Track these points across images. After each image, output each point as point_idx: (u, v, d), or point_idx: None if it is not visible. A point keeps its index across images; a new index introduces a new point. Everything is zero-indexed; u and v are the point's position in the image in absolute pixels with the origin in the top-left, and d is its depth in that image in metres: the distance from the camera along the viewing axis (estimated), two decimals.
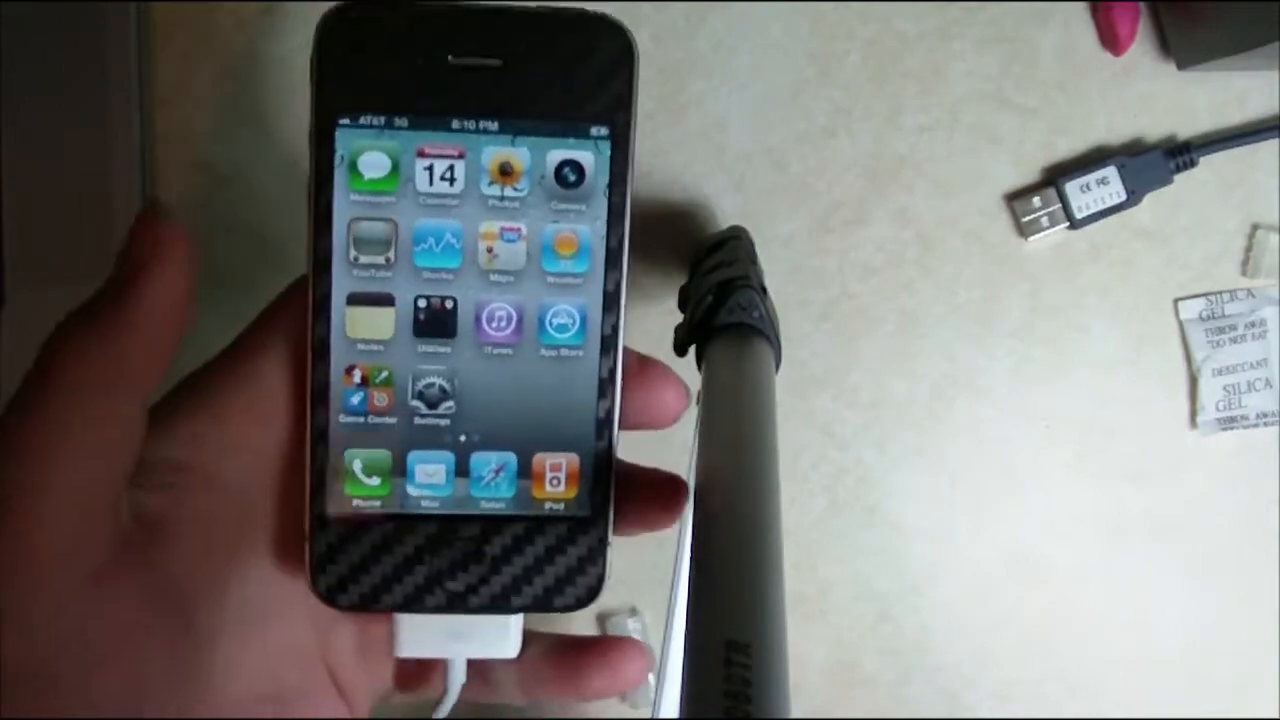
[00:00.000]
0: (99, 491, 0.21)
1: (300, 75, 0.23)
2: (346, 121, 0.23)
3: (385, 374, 0.24)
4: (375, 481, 0.24)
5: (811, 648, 0.45)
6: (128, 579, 0.21)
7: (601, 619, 0.46)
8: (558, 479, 0.25)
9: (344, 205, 0.23)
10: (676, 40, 0.43)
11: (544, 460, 0.25)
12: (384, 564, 0.24)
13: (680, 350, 0.33)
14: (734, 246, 0.38)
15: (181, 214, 0.23)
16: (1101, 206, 0.42)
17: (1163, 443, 0.44)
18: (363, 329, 0.24)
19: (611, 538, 0.25)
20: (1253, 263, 0.43)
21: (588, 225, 0.24)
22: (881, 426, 0.44)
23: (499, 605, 0.25)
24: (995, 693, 0.45)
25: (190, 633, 0.22)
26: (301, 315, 0.24)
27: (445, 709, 0.26)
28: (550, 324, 0.24)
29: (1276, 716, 0.44)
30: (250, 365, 0.24)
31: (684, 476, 0.28)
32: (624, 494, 0.26)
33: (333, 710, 0.26)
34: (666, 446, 0.45)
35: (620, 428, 0.25)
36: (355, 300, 0.23)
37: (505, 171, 0.23)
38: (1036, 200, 0.42)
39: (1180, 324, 0.43)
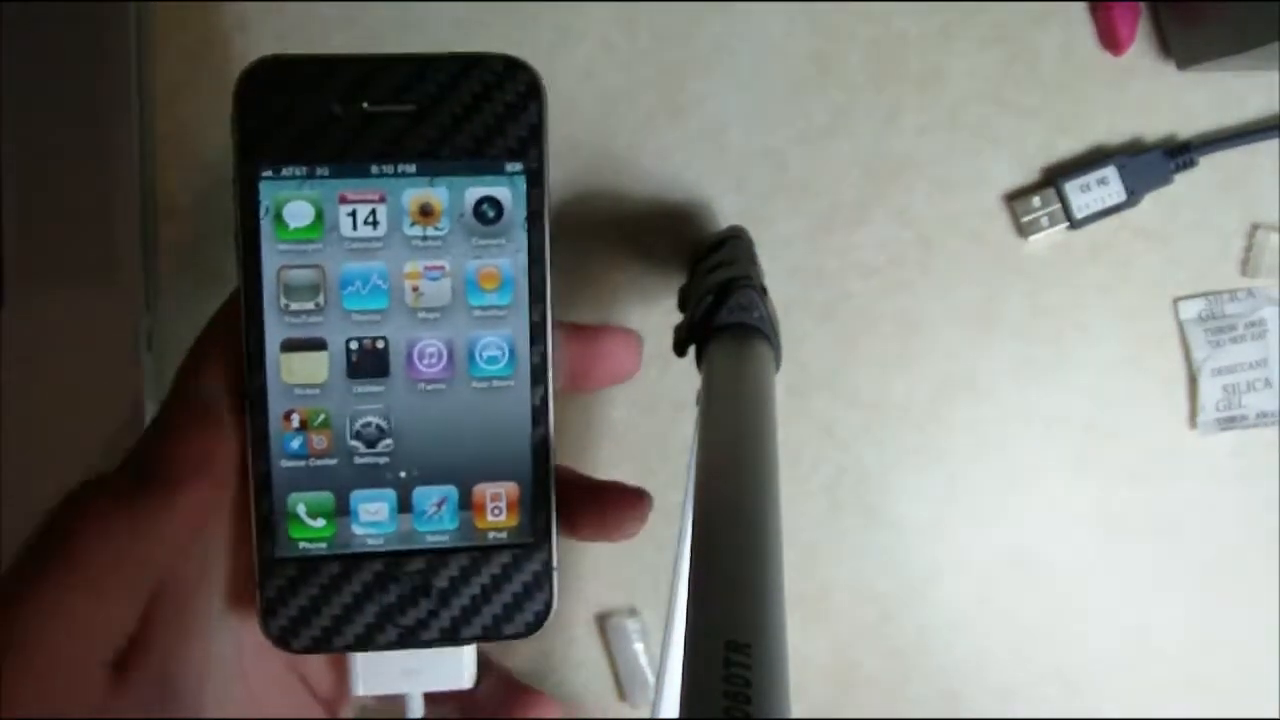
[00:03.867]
0: (94, 652, 0.21)
1: None
2: (269, 174, 0.24)
3: (323, 417, 0.24)
4: (320, 523, 0.24)
5: (812, 648, 0.45)
6: (123, 700, 0.22)
7: (601, 619, 0.46)
8: (499, 508, 0.25)
9: (272, 255, 0.24)
10: (676, 40, 0.43)
11: (484, 490, 0.25)
12: (333, 604, 0.24)
13: (680, 350, 0.33)
14: (734, 246, 0.38)
15: (222, 399, 0.24)
16: (1101, 206, 0.42)
17: (1163, 443, 0.44)
18: (298, 374, 0.24)
19: (557, 562, 0.25)
20: (1253, 263, 0.43)
21: (509, 259, 0.24)
22: (881, 426, 0.44)
23: (449, 637, 0.25)
24: (995, 693, 0.45)
25: (176, 699, 0.23)
26: (225, 366, 0.24)
27: None
28: (480, 357, 0.25)
29: (1276, 717, 0.44)
30: (188, 428, 0.24)
31: (684, 477, 0.28)
32: (584, 508, 0.26)
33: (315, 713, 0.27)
34: (667, 446, 0.45)
35: (587, 389, 0.26)
36: (289, 346, 0.24)
37: (425, 212, 0.24)
38: (1036, 200, 0.42)
39: (1180, 324, 0.43)
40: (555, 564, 0.25)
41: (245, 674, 0.24)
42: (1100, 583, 0.44)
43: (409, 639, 0.25)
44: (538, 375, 0.25)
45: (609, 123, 0.43)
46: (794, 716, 0.18)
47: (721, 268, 0.35)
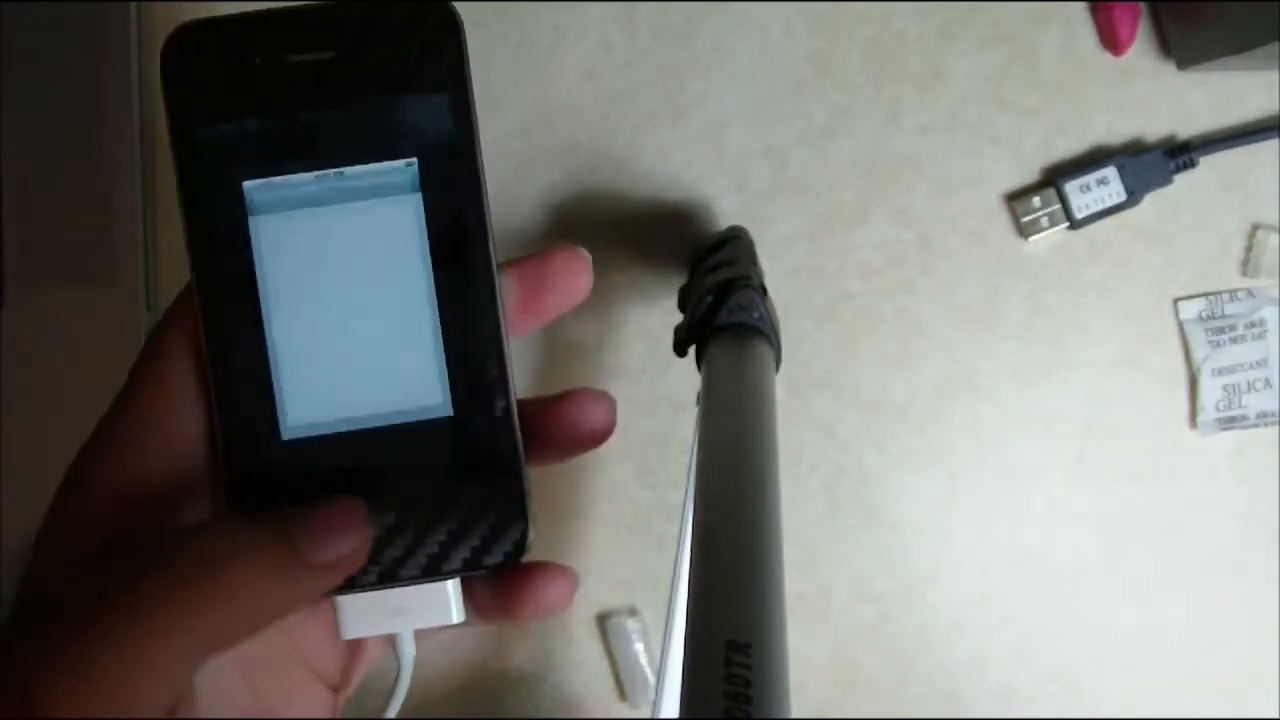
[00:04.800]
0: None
1: None
2: (203, 134, 0.25)
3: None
4: None
5: (812, 648, 0.45)
6: None
7: (601, 619, 0.46)
8: None
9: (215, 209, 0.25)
10: (676, 40, 0.43)
11: None
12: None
13: (680, 350, 0.33)
14: (734, 246, 0.38)
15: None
16: (1101, 206, 0.42)
17: (1163, 443, 0.44)
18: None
19: (529, 487, 0.25)
20: (1253, 263, 0.43)
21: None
22: (881, 426, 0.44)
23: (429, 572, 0.25)
24: (995, 693, 0.45)
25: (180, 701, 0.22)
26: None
27: (404, 684, 0.27)
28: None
29: (1276, 717, 0.44)
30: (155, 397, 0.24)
31: (684, 477, 0.28)
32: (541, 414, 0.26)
33: (317, 700, 0.26)
34: (666, 446, 0.45)
35: (543, 318, 0.26)
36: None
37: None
38: (1036, 200, 0.42)
39: (1180, 324, 0.43)
40: (528, 490, 0.25)
41: (241, 660, 0.24)
42: (1100, 583, 0.44)
43: (388, 577, 0.25)
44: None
45: (609, 123, 0.43)
46: (794, 716, 0.18)
47: (721, 268, 0.35)
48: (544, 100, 0.43)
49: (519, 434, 0.25)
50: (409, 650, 0.26)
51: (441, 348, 0.25)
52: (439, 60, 0.24)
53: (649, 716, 0.32)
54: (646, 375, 0.44)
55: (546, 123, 0.43)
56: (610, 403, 0.26)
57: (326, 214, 0.25)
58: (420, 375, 0.25)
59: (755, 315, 0.31)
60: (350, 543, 0.23)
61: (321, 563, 0.22)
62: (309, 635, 0.26)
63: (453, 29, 0.24)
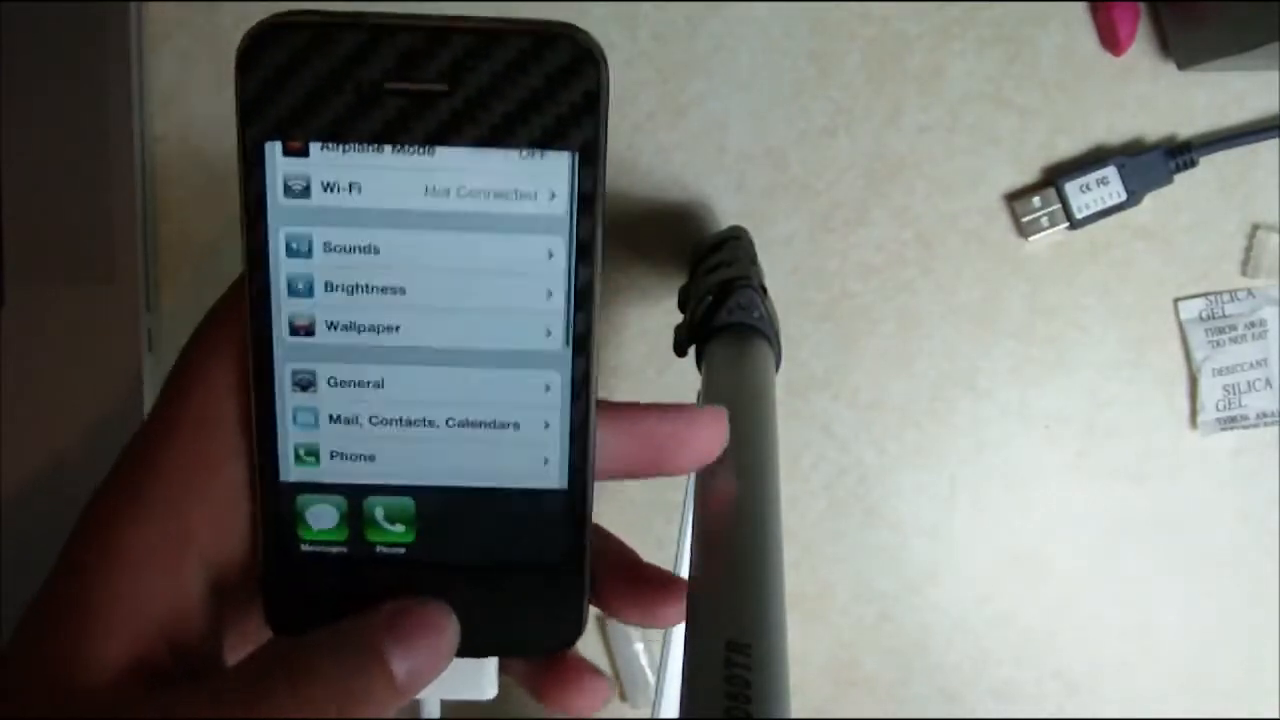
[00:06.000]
0: None
1: None
2: (276, 147, 0.21)
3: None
4: (331, 526, 0.23)
5: (811, 648, 0.45)
6: None
7: (601, 619, 0.46)
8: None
9: (279, 237, 0.21)
10: (676, 40, 0.43)
11: None
12: (341, 603, 0.23)
13: (680, 350, 0.33)
14: (734, 246, 0.38)
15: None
16: (1101, 206, 0.42)
17: (1163, 443, 0.44)
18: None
19: (589, 587, 0.24)
20: (1253, 263, 0.43)
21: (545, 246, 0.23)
22: (881, 426, 0.44)
23: (465, 649, 0.23)
24: (995, 693, 0.45)
25: None
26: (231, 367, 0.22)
27: None
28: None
29: (1276, 717, 0.44)
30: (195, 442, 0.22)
31: (684, 477, 0.28)
32: (618, 588, 0.24)
33: None
34: None
35: (675, 472, 0.24)
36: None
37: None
38: (1036, 200, 0.42)
39: (1180, 324, 0.43)
40: (587, 589, 0.24)
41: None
42: (1100, 583, 0.44)
43: None
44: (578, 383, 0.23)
45: (609, 123, 0.43)
46: (794, 717, 0.18)
47: (721, 268, 0.35)
48: None
49: (589, 538, 0.23)
50: (433, 714, 0.26)
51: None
52: (568, 113, 0.21)
53: (649, 716, 0.32)
54: (646, 375, 0.44)
55: None
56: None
57: None
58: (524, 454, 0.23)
59: (755, 315, 0.31)
60: (439, 652, 0.21)
61: (407, 674, 0.20)
62: None
63: (591, 75, 0.21)
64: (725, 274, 0.33)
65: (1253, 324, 0.43)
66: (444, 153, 0.21)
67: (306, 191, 0.21)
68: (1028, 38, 0.42)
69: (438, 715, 0.26)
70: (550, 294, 0.22)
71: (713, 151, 0.43)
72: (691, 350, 0.33)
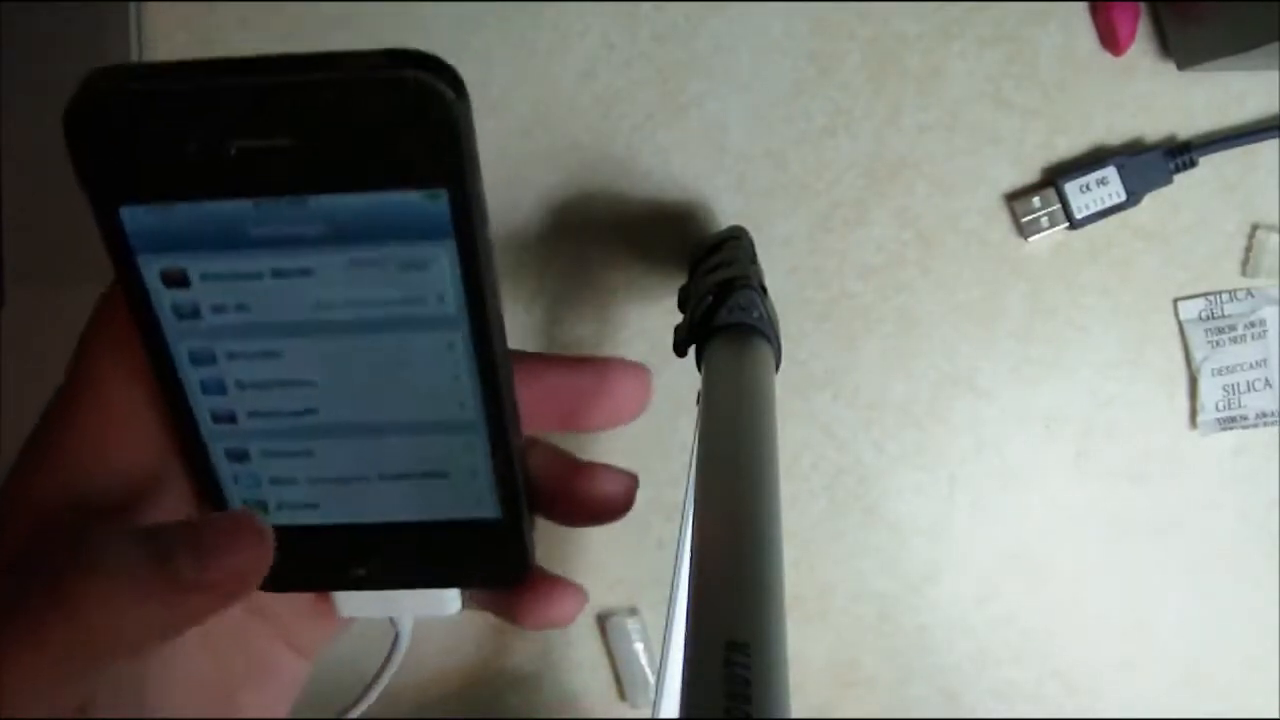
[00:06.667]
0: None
1: None
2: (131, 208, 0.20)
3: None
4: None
5: (811, 648, 0.45)
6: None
7: (601, 619, 0.46)
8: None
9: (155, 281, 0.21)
10: (676, 40, 0.43)
11: None
12: (300, 559, 0.24)
13: (680, 350, 0.33)
14: (734, 246, 0.38)
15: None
16: (1101, 206, 0.42)
17: (1163, 443, 0.44)
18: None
19: (530, 531, 0.24)
20: (1253, 263, 0.43)
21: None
22: (881, 426, 0.44)
23: (426, 584, 0.25)
24: (995, 693, 0.45)
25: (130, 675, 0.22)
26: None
27: (396, 660, 0.26)
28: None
29: (1276, 717, 0.44)
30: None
31: (684, 477, 0.28)
32: (562, 493, 0.24)
33: (288, 668, 0.26)
34: (666, 446, 0.45)
35: (586, 429, 0.25)
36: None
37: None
38: (1036, 200, 0.42)
39: (1180, 324, 0.43)
40: (528, 535, 0.24)
41: (202, 630, 0.22)
42: (1100, 583, 0.45)
43: (382, 583, 0.24)
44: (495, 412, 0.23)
45: (609, 123, 0.43)
46: (794, 717, 0.18)
47: (721, 268, 0.35)
48: (544, 100, 0.43)
49: (521, 485, 0.24)
50: (405, 635, 0.26)
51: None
52: (429, 153, 0.19)
53: (649, 716, 0.32)
54: None
55: (546, 123, 0.43)
56: (630, 481, 0.25)
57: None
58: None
59: (755, 315, 0.31)
60: (237, 561, 0.20)
61: (202, 583, 0.20)
62: (279, 600, 0.25)
63: (447, 117, 0.19)
64: (725, 274, 0.33)
65: (1253, 324, 0.43)
66: (323, 273, 0.20)
67: (197, 314, 0.21)
68: (1028, 38, 0.42)
69: (408, 639, 0.26)
70: (457, 377, 0.22)
71: (712, 151, 0.43)
72: (691, 350, 0.33)
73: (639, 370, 0.24)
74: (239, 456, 0.23)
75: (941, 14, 0.42)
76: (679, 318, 0.35)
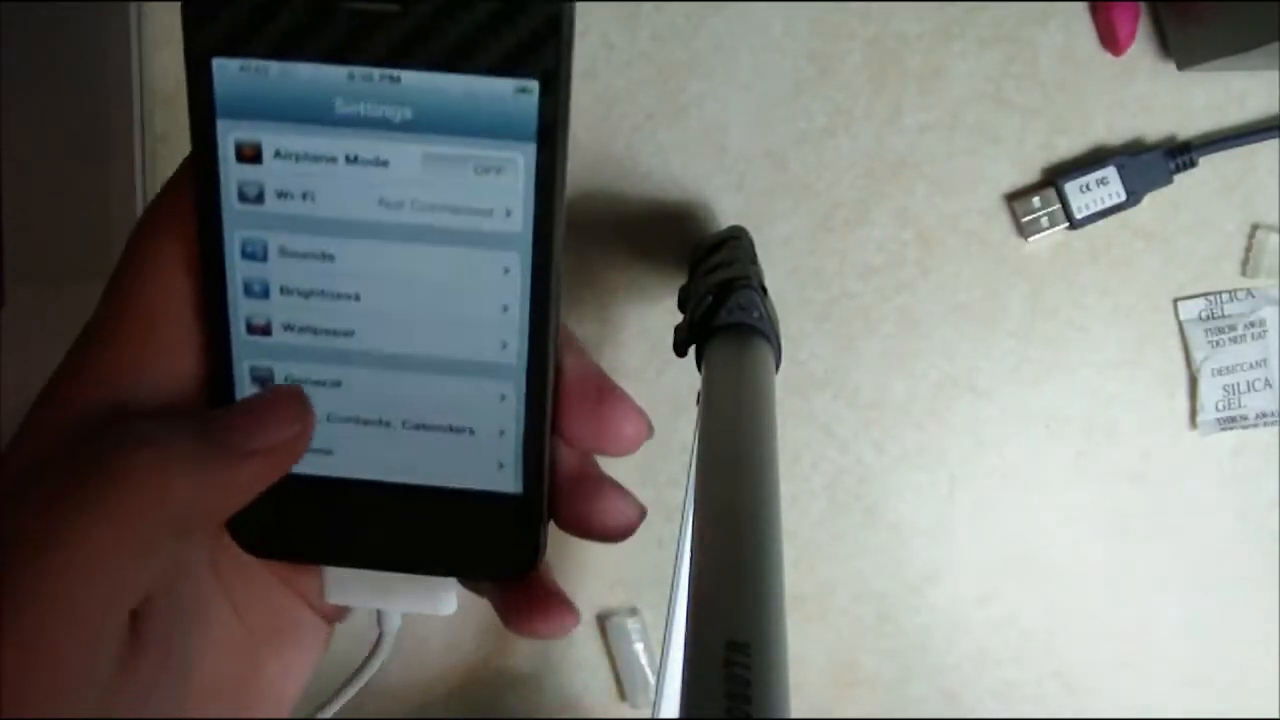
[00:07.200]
0: (120, 603, 0.20)
1: None
2: (224, 61, 0.20)
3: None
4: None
5: (811, 648, 0.45)
6: (140, 653, 0.20)
7: (601, 619, 0.46)
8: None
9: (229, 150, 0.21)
10: (676, 40, 0.43)
11: None
12: (301, 518, 0.23)
13: (680, 350, 0.33)
14: (734, 246, 0.38)
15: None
16: (1101, 206, 0.42)
17: (1163, 443, 0.44)
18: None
19: (548, 512, 0.24)
20: (1253, 263, 0.43)
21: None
22: (881, 426, 0.44)
23: (423, 568, 0.24)
24: (995, 693, 0.45)
25: (176, 633, 0.22)
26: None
27: (380, 658, 0.26)
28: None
29: (1276, 717, 0.44)
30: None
31: (684, 477, 0.28)
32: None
33: (311, 631, 0.25)
34: (666, 446, 0.45)
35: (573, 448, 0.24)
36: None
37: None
38: (1036, 200, 0.42)
39: (1180, 324, 0.43)
40: (545, 515, 0.23)
41: (226, 588, 0.23)
42: (1100, 583, 0.45)
43: (379, 562, 0.24)
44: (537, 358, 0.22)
45: (609, 123, 0.43)
46: (794, 717, 0.18)
47: (721, 268, 0.35)
48: None
49: (547, 460, 0.23)
50: (392, 630, 0.26)
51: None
52: (530, 42, 0.20)
53: (649, 716, 0.32)
54: (646, 375, 0.44)
55: None
56: (636, 516, 0.24)
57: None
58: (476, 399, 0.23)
59: (755, 315, 0.31)
60: (285, 431, 0.21)
61: (253, 451, 0.20)
62: (302, 566, 0.25)
63: (553, 7, 0.20)
64: (725, 274, 0.33)
65: (1252, 324, 0.43)
66: (398, 165, 0.21)
67: (261, 198, 0.21)
68: (1028, 38, 0.42)
69: (395, 630, 0.26)
70: (506, 308, 0.22)
71: (713, 151, 0.43)
72: (691, 350, 0.33)
73: (641, 417, 0.23)
74: (264, 379, 0.22)
75: (941, 14, 0.42)
76: (679, 318, 0.35)
